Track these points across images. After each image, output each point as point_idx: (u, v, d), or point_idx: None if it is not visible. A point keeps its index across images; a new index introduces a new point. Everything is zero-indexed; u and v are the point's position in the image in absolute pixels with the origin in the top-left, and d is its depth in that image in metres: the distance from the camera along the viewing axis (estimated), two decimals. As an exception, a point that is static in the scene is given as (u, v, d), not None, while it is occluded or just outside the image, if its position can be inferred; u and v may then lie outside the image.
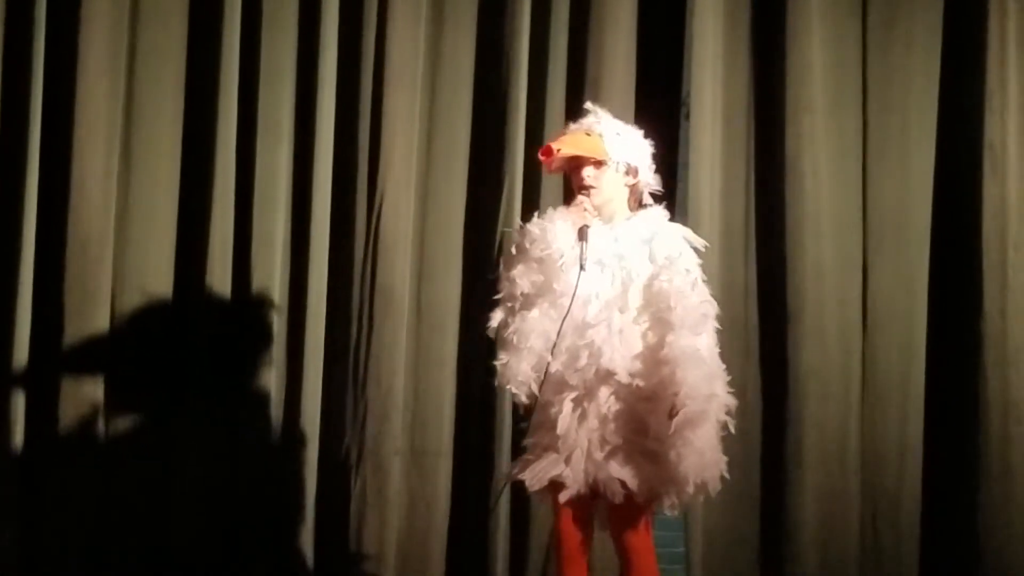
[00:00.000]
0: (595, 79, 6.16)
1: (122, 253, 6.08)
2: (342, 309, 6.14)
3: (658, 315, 4.60)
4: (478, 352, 6.06)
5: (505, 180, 6.16)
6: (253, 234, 6.11)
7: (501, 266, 4.77)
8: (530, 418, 4.72)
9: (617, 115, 6.09)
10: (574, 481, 4.60)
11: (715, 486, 4.63)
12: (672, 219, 5.02)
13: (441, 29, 6.26)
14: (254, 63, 6.14)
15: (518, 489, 5.00)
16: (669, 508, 4.66)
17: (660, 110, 6.28)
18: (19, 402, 5.98)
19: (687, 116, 6.27)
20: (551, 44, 6.23)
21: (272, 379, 6.09)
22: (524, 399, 4.66)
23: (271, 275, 6.10)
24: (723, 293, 6.20)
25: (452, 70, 6.26)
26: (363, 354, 6.11)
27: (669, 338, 4.53)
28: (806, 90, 6.23)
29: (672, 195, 6.28)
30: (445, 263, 6.19)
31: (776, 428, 6.21)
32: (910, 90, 6.31)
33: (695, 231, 6.02)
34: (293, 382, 6.10)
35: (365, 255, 6.15)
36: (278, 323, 6.10)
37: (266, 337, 6.08)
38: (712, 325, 4.62)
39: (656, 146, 5.93)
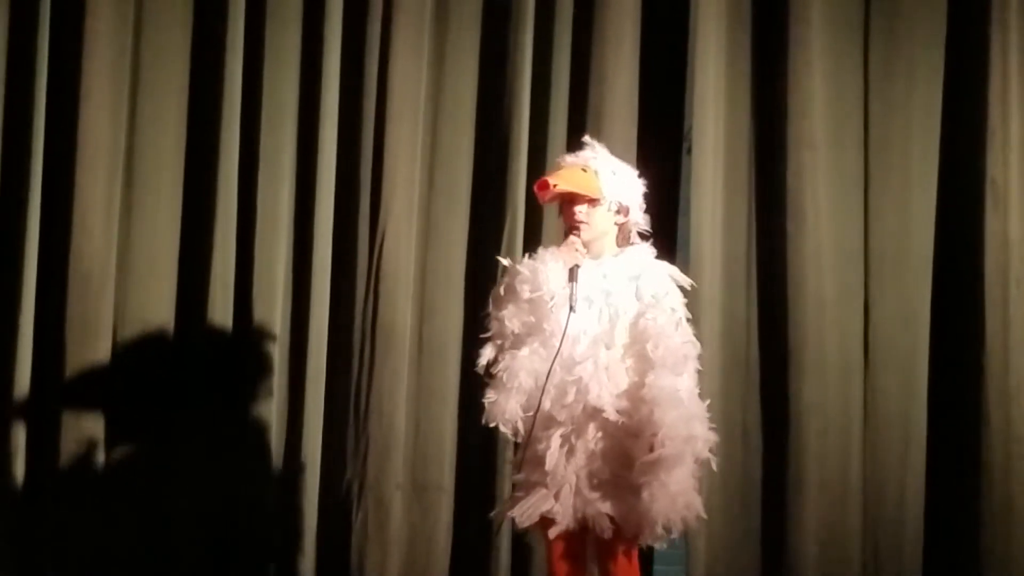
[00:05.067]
0: (597, 114, 6.17)
1: (124, 287, 6.09)
2: (344, 344, 6.13)
3: (640, 353, 4.62)
4: (479, 387, 6.05)
5: (507, 216, 6.16)
6: (254, 269, 6.11)
7: (490, 304, 4.76)
8: (516, 456, 4.77)
9: (619, 150, 6.12)
10: (563, 516, 4.63)
11: (692, 526, 4.68)
12: (674, 253, 5.03)
13: (443, 65, 6.27)
14: (256, 99, 6.16)
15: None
16: (651, 542, 4.67)
17: (662, 145, 6.30)
18: (20, 434, 5.98)
19: (689, 151, 6.27)
20: (553, 79, 6.24)
21: (273, 414, 6.08)
22: (511, 437, 4.70)
23: (272, 310, 6.10)
24: (724, 327, 6.22)
25: (454, 106, 6.27)
26: (364, 389, 6.10)
27: (649, 378, 4.56)
28: (807, 125, 6.23)
29: (673, 229, 6.32)
30: (446, 299, 6.18)
31: (777, 462, 6.18)
32: (911, 125, 6.31)
33: (696, 265, 6.10)
34: (294, 417, 6.10)
35: (367, 290, 6.14)
36: (279, 358, 6.10)
37: (267, 372, 6.08)
38: (693, 366, 4.65)
39: (658, 181, 5.92)
